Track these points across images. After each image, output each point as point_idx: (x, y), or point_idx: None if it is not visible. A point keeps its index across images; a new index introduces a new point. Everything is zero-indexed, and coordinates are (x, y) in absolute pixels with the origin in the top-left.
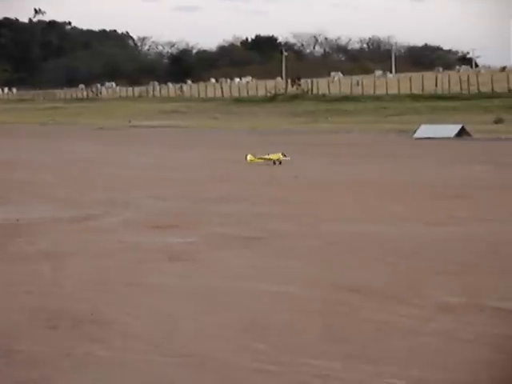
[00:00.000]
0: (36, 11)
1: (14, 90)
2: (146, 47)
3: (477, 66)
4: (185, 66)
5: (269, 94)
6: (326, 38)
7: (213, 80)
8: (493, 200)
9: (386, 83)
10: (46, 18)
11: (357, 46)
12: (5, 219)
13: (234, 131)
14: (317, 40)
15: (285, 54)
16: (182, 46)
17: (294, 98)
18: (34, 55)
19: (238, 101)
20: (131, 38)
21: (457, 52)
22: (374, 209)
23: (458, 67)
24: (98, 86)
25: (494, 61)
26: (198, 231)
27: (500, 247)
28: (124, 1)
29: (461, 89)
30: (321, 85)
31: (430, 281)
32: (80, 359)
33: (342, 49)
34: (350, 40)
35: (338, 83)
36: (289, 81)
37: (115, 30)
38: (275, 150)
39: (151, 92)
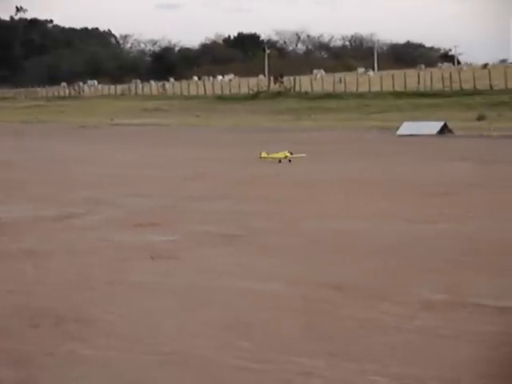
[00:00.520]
0: (18, 9)
1: None
2: (129, 45)
3: (459, 63)
4: (167, 63)
5: (251, 92)
6: (308, 36)
7: (195, 78)
8: (475, 197)
9: (369, 80)
10: (28, 15)
11: (339, 43)
12: None
13: (216, 129)
14: (299, 37)
15: (267, 51)
16: (164, 44)
17: (277, 95)
18: (15, 53)
19: (221, 98)
20: (113, 35)
21: (439, 49)
22: (357, 206)
23: (440, 64)
24: (80, 84)
25: (476, 58)
26: (181, 229)
27: (482, 244)
28: None
29: (443, 86)
30: (303, 82)
31: (413, 278)
32: (63, 358)
33: (324, 46)
34: (332, 37)
35: (320, 81)
36: (271, 78)
37: (97, 28)
38: (258, 148)
39: (133, 90)
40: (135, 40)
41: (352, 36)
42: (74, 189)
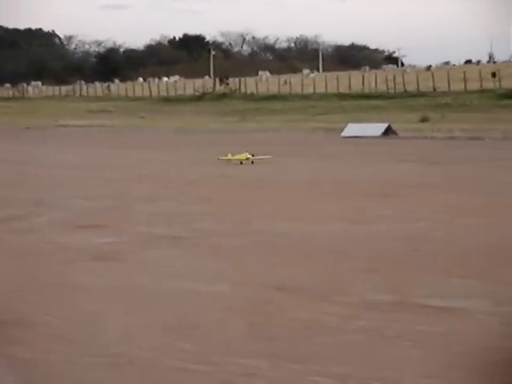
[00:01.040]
0: None
1: None
2: (73, 46)
3: (403, 65)
4: (112, 64)
5: (197, 93)
6: (253, 37)
7: (140, 79)
8: (418, 198)
9: (314, 82)
10: None
11: (284, 45)
12: None
13: (161, 130)
14: (244, 39)
15: (212, 52)
16: (109, 45)
17: (222, 97)
18: None
19: (166, 100)
20: (57, 36)
21: (383, 51)
22: (301, 207)
23: (384, 66)
24: (24, 85)
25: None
26: (126, 231)
27: (424, 245)
28: None
29: (387, 88)
30: (249, 84)
31: (356, 279)
32: (2, 361)
33: (269, 48)
34: (277, 39)
35: (265, 82)
36: (217, 80)
37: (41, 29)
38: (204, 149)
39: (78, 91)
40: (80, 41)
41: (297, 38)
42: (18, 190)
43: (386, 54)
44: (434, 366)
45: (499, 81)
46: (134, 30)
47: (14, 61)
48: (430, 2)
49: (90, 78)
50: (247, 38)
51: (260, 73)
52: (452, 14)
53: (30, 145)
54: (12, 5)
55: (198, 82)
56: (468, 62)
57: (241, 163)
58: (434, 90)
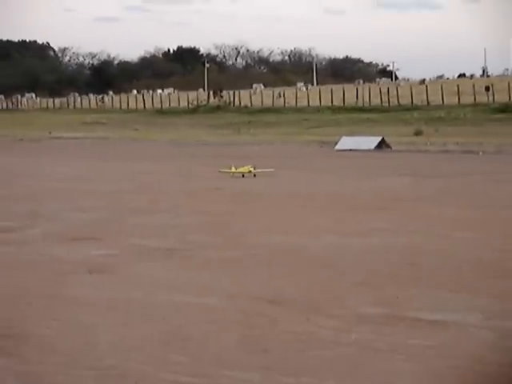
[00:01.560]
0: None
1: None
2: (67, 58)
3: (396, 78)
4: (106, 77)
5: (191, 106)
6: (247, 50)
7: (134, 91)
8: (411, 212)
9: (308, 95)
10: None
11: (278, 58)
12: None
13: (155, 143)
14: (239, 52)
15: (207, 65)
16: (103, 57)
17: (216, 109)
18: None
19: (160, 112)
20: (52, 48)
21: (377, 64)
22: (295, 220)
23: (378, 80)
24: (18, 96)
25: (414, 73)
26: (119, 243)
27: (418, 258)
28: (44, 11)
29: (381, 101)
30: (243, 96)
31: (349, 292)
32: None
33: (263, 61)
34: (271, 52)
35: (259, 95)
36: (211, 92)
37: (35, 41)
38: (198, 162)
39: (72, 103)
40: (74, 53)
41: (291, 51)
42: (12, 202)
43: (380, 67)
44: (427, 380)
45: (493, 95)
46: (128, 43)
47: (8, 72)
48: (424, 17)
49: (83, 90)
50: (241, 51)
51: (254, 86)
52: (446, 28)
53: (24, 156)
54: (6, 17)
55: (192, 95)
56: (462, 75)
57: (243, 176)
58: (428, 103)
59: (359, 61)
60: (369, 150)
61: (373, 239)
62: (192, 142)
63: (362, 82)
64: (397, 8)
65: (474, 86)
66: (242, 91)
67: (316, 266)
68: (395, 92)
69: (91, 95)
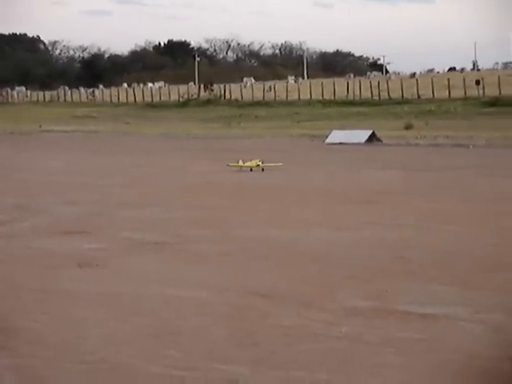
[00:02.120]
0: None
1: None
2: (58, 51)
3: (387, 72)
4: (97, 70)
5: (181, 99)
6: (238, 44)
7: (125, 85)
8: (402, 205)
9: (298, 89)
10: None
11: (269, 51)
12: None
13: (146, 136)
14: (229, 45)
15: (197, 59)
16: (93, 51)
17: (207, 103)
18: None
19: (151, 106)
20: (42, 42)
21: (368, 58)
22: (286, 214)
23: (368, 73)
24: (9, 90)
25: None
26: (110, 237)
27: (408, 252)
28: (35, 4)
29: (371, 95)
30: (233, 90)
31: (340, 285)
32: None
33: (254, 54)
34: (262, 46)
35: (250, 88)
36: (201, 86)
37: (26, 34)
38: (188, 155)
39: (62, 96)
40: (64, 46)
41: (282, 44)
42: (1, 195)
43: (371, 61)
44: (417, 373)
45: (483, 88)
46: (119, 36)
47: None
48: (414, 10)
49: (74, 84)
50: (232, 45)
51: (245, 79)
52: (436, 22)
53: (14, 150)
54: None
55: (183, 88)
56: (452, 69)
57: (251, 170)
58: (419, 97)
59: (350, 54)
60: (359, 144)
61: (363, 233)
62: (183, 135)
63: (352, 75)
64: (387, 1)
65: (464, 79)
66: (232, 85)
67: (306, 260)
68: (386, 86)
69: (82, 89)
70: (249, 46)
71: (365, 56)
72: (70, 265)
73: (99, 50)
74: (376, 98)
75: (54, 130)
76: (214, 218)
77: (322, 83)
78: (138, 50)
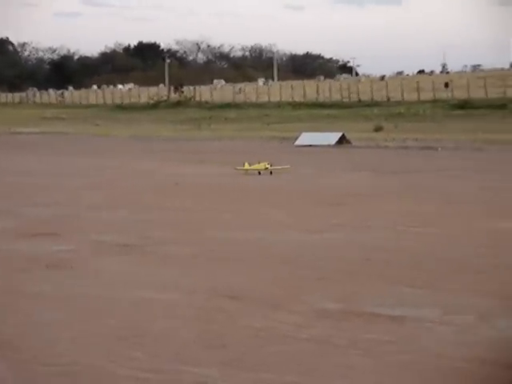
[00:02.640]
0: None
1: None
2: (27, 53)
3: (357, 74)
4: (66, 72)
5: (151, 101)
6: (208, 46)
7: (95, 87)
8: (371, 207)
9: (269, 91)
10: None
11: (239, 53)
12: None
13: (116, 138)
14: (199, 47)
15: (167, 60)
16: (63, 52)
17: (177, 105)
18: None
19: (120, 108)
20: (11, 43)
21: (338, 61)
22: (254, 216)
23: (338, 76)
24: None
25: (374, 70)
26: (78, 239)
27: (377, 254)
28: (4, 6)
29: (341, 97)
30: (203, 92)
31: (309, 287)
32: None
33: (224, 56)
34: (232, 48)
35: (220, 90)
36: (171, 88)
37: None
38: (156, 158)
39: (32, 98)
40: (33, 48)
41: (252, 46)
42: None
43: (341, 63)
44: (385, 375)
45: (452, 91)
46: (89, 38)
47: None
48: (382, 12)
49: (43, 86)
50: (202, 47)
51: (215, 81)
52: (405, 24)
53: None
54: None
55: (153, 90)
56: (421, 72)
57: (259, 173)
58: (388, 99)
59: (320, 57)
60: (329, 146)
61: (333, 235)
62: (152, 137)
63: (322, 78)
64: (356, 3)
65: (433, 82)
66: (202, 87)
67: (276, 262)
68: (356, 88)
69: (51, 90)
70: (219, 47)
71: (335, 58)
72: (38, 267)
73: (69, 51)
74: (346, 100)
75: (24, 132)
76: (183, 220)
77: (291, 85)
78: (108, 51)
